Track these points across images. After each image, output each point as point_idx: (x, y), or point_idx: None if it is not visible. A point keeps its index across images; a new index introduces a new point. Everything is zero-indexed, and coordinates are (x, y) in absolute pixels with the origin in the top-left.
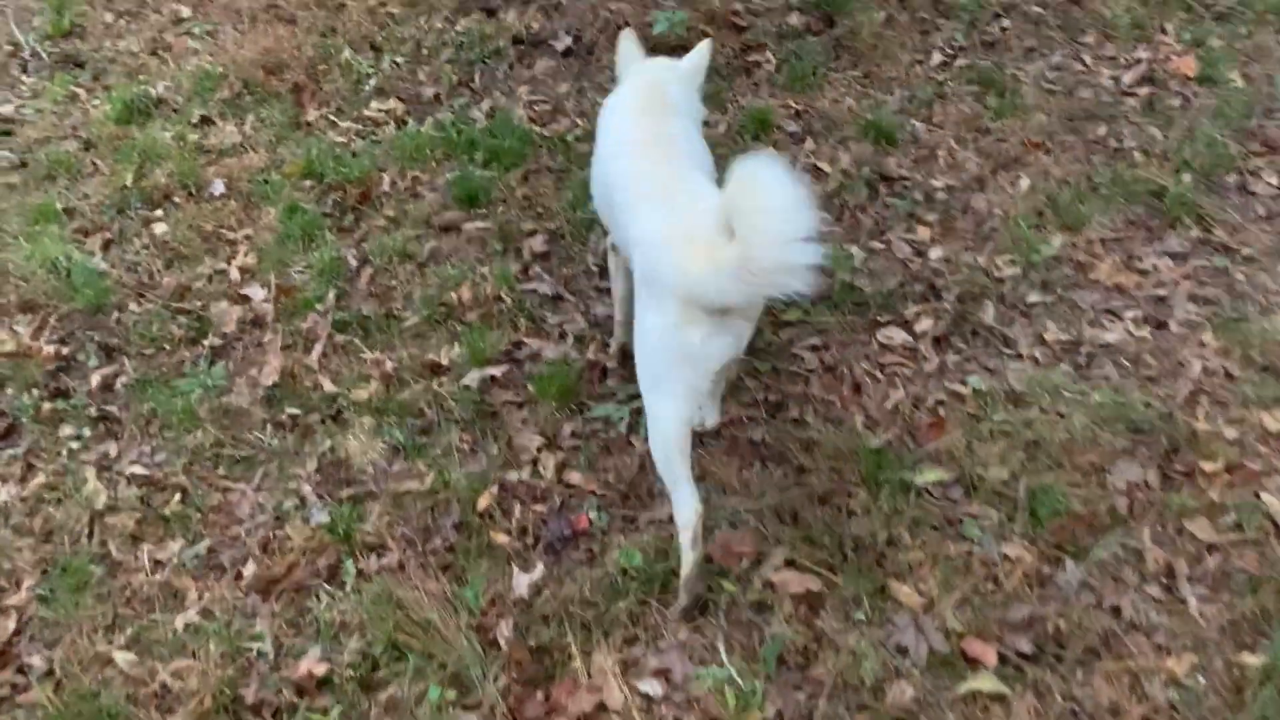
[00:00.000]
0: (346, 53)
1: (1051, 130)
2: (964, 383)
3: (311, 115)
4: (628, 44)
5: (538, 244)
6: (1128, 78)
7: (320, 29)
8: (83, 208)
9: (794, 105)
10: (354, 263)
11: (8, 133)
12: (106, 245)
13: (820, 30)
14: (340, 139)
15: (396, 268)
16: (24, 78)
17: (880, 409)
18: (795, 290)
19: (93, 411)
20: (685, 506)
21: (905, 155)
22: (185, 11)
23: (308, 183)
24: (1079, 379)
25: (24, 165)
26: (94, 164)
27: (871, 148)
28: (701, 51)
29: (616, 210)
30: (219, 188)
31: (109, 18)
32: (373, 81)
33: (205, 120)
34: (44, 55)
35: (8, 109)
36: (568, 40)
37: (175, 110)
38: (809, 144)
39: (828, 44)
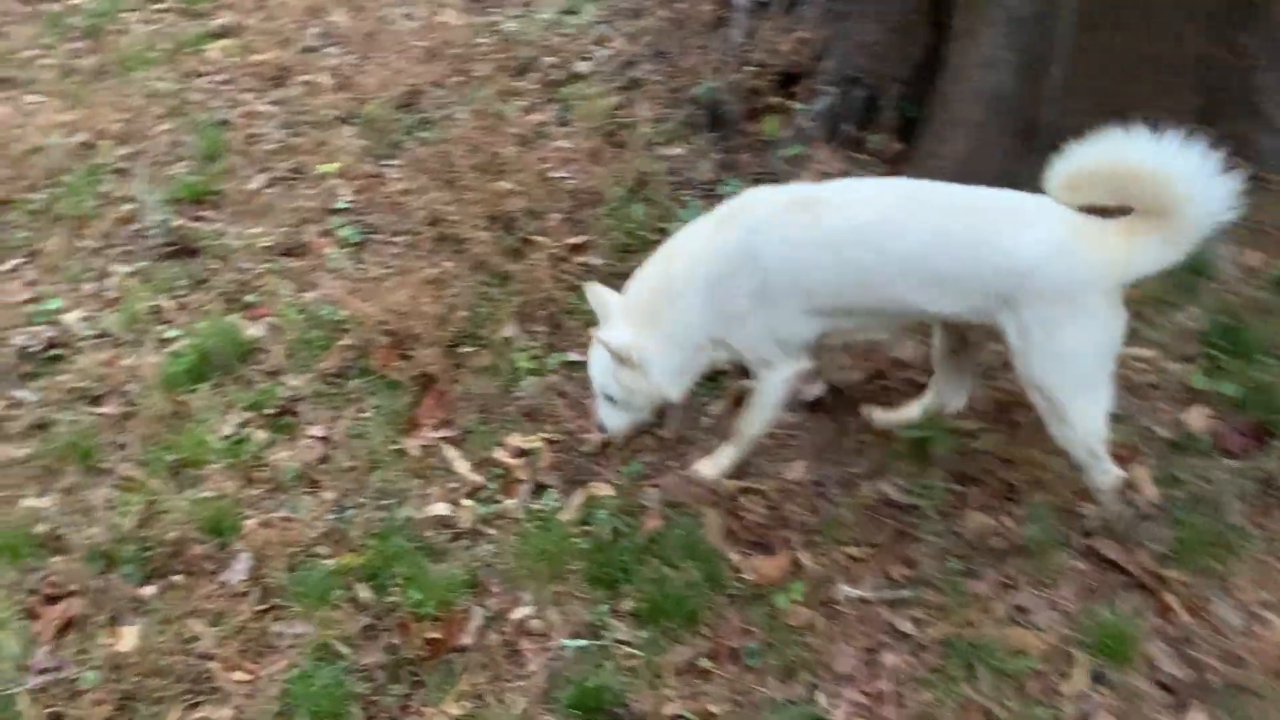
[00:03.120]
0: None
1: None
2: None
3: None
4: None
5: None
6: None
7: None
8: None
9: None
10: None
11: (57, 357)
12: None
13: None
14: None
15: None
16: (117, 265)
17: None
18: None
19: None
20: (1110, 473)
21: None
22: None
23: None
24: None
25: (41, 428)
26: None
27: None
28: None
29: None
30: (241, 569)
31: (256, 181)
32: None
33: (285, 410)
34: (157, 228)
35: (75, 316)
36: None
37: (274, 377)
38: None
39: None
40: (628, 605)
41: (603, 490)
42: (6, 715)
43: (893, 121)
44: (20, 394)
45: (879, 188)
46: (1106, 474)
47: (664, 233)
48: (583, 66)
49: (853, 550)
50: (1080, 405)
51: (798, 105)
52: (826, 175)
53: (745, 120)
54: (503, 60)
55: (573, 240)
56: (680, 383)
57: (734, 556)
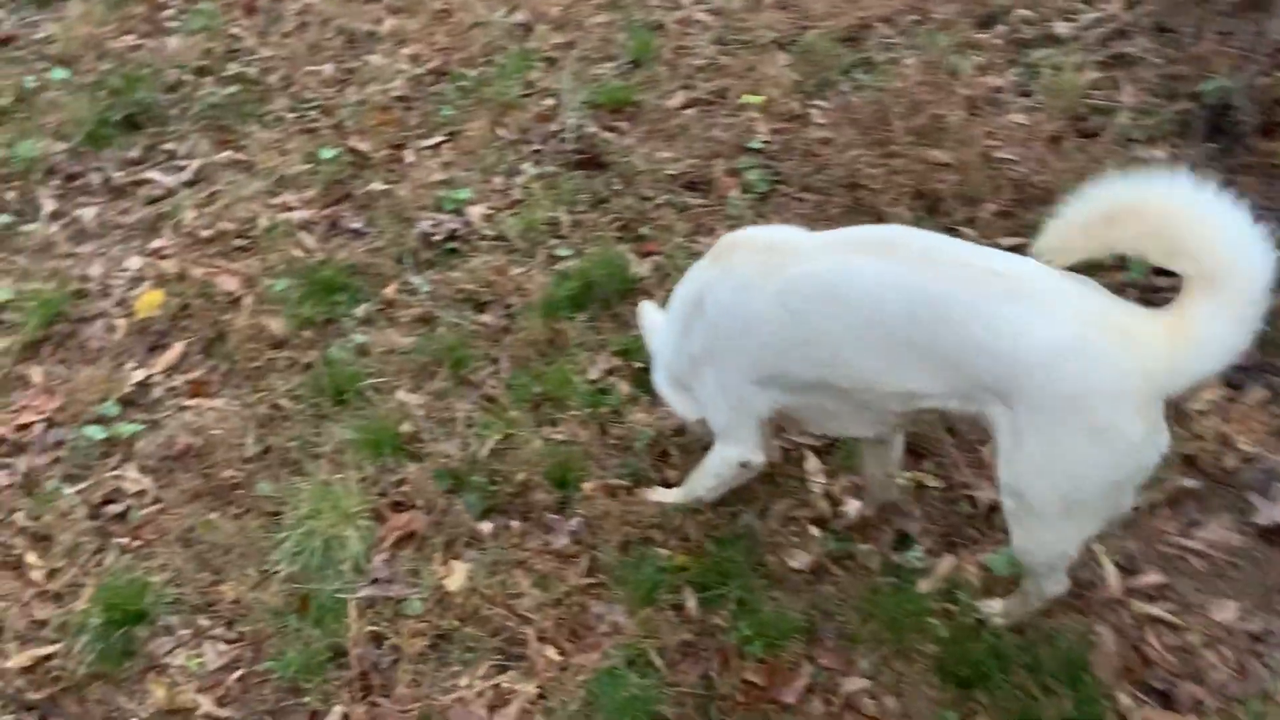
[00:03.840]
0: None
1: None
2: None
3: None
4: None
5: None
6: None
7: None
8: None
9: None
10: None
11: (454, 251)
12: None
13: None
14: None
15: None
16: (527, 165)
17: None
18: None
19: None
20: (1061, 585)
21: None
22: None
23: None
24: None
25: (425, 322)
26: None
27: None
28: None
29: None
30: (575, 533)
31: (677, 99)
32: None
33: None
34: (572, 132)
35: (478, 211)
36: None
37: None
38: None
39: None
40: (979, 718)
41: (977, 566)
42: (337, 619)
43: None
44: (415, 280)
45: (859, 233)
46: (1058, 584)
47: (1124, 261)
48: (1062, 28)
49: None
50: (1060, 529)
51: None
52: None
53: (1258, 135)
54: (970, 4)
55: (1006, 241)
56: (680, 400)
57: (1123, 699)
